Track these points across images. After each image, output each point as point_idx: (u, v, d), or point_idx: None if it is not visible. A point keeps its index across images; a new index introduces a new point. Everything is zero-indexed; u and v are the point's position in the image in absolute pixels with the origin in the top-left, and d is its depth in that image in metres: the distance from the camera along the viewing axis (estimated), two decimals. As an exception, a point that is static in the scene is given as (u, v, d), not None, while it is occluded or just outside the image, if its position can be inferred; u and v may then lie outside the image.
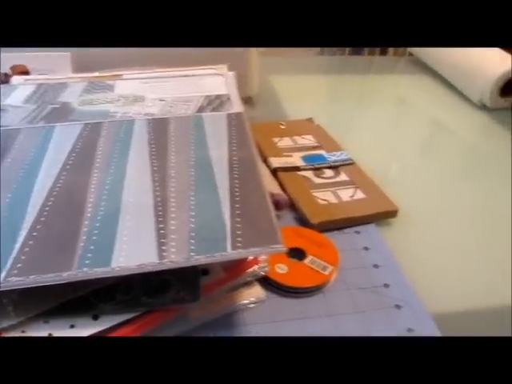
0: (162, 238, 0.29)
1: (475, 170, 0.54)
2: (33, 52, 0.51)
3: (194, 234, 0.30)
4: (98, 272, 0.27)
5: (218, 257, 0.28)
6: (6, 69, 0.50)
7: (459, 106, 0.68)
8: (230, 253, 0.28)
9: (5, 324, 0.28)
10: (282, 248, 0.29)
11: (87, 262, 0.28)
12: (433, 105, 0.69)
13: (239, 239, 0.29)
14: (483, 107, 0.67)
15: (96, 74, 0.50)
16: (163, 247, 0.29)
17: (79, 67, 0.52)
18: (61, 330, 0.28)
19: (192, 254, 0.28)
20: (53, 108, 0.44)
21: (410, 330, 0.34)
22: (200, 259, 0.28)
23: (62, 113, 0.43)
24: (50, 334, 0.28)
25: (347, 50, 0.92)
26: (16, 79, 0.49)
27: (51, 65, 0.51)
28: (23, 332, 0.28)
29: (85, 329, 0.29)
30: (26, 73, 0.51)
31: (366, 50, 0.93)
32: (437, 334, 0.33)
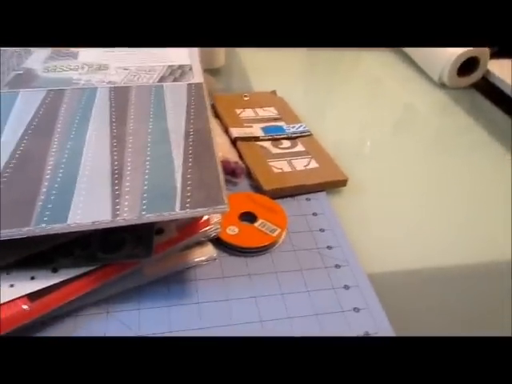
0: (116, 198, 0.32)
1: (430, 146, 0.58)
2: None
3: (146, 195, 0.32)
4: (56, 228, 0.30)
5: (166, 215, 0.31)
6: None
7: (421, 84, 0.71)
8: (178, 212, 0.31)
9: (-32, 275, 0.30)
10: (225, 208, 0.31)
11: (45, 218, 0.30)
12: (396, 82, 0.71)
13: (188, 200, 0.32)
14: (442, 86, 0.70)
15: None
16: (117, 206, 0.31)
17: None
18: (22, 281, 0.31)
19: (143, 212, 0.31)
20: (17, 74, 0.45)
21: (346, 286, 0.37)
22: (150, 217, 0.31)
23: (26, 79, 0.44)
24: (11, 285, 0.31)
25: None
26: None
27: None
28: (-15, 282, 0.30)
29: (44, 280, 0.31)
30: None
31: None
32: (370, 290, 0.37)
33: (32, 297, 0.30)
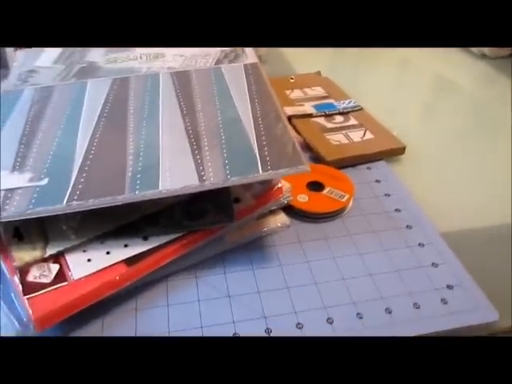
0: (199, 166, 0.33)
1: (476, 115, 0.58)
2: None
3: (227, 162, 0.33)
4: (148, 194, 0.31)
5: (251, 178, 0.32)
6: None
7: (460, 57, 0.71)
8: (261, 174, 0.32)
9: (68, 245, 0.32)
10: (306, 168, 0.32)
11: (137, 187, 0.32)
12: (434, 58, 0.71)
13: (268, 163, 0.33)
14: (483, 56, 0.70)
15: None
16: (202, 173, 0.33)
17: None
18: (116, 249, 0.32)
19: (228, 176, 0.32)
20: (81, 67, 0.47)
21: (420, 244, 0.38)
22: (236, 180, 0.32)
23: (91, 71, 0.46)
24: (107, 253, 0.32)
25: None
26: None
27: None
28: (84, 251, 0.32)
29: (137, 247, 0.33)
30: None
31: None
32: (445, 247, 0.37)
33: (128, 262, 0.32)
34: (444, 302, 0.33)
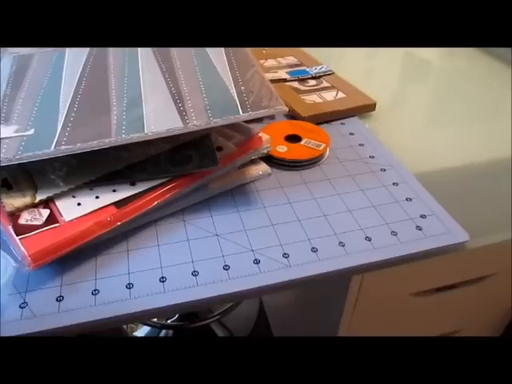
0: (182, 112, 0.35)
1: (441, 80, 0.61)
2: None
3: (208, 107, 0.35)
4: (135, 137, 0.32)
5: (232, 119, 0.34)
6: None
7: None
8: (242, 115, 0.34)
9: (57, 191, 0.33)
10: (284, 108, 0.34)
11: (123, 131, 0.33)
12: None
13: (248, 106, 0.35)
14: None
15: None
16: (185, 117, 0.34)
17: None
18: (105, 193, 0.33)
19: (211, 118, 0.34)
20: (58, 38, 0.48)
21: (395, 183, 0.40)
22: (218, 121, 0.33)
23: (68, 40, 0.47)
24: (97, 197, 0.33)
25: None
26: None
27: None
28: (74, 197, 0.33)
29: (125, 192, 0.34)
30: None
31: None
32: (418, 184, 0.40)
33: (118, 205, 0.33)
34: (419, 228, 0.35)
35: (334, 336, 0.42)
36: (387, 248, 0.34)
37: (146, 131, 0.33)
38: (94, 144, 0.32)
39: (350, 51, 0.67)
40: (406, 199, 0.38)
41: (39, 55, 0.44)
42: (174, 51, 0.44)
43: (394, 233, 0.35)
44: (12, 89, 0.38)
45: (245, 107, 0.34)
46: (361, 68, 0.63)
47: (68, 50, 0.45)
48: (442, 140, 0.47)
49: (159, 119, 0.34)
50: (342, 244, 0.34)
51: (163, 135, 0.33)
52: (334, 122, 0.48)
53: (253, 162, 0.41)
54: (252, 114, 0.34)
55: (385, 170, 0.42)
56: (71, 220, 0.31)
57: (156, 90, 0.38)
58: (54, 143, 0.32)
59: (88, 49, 0.45)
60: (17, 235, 0.30)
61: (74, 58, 0.43)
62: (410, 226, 0.36)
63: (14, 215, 0.31)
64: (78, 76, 0.40)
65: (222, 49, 0.44)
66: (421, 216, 0.36)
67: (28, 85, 0.39)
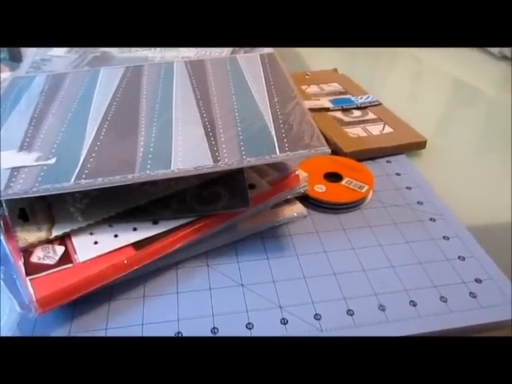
0: (213, 147, 0.32)
1: (495, 115, 0.56)
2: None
3: (242, 143, 0.32)
4: (160, 174, 0.30)
5: (268, 158, 0.30)
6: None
7: (480, 58, 0.69)
8: (278, 155, 0.31)
9: (74, 227, 0.31)
10: (326, 149, 0.31)
11: (148, 166, 0.30)
12: (453, 59, 0.70)
13: (286, 144, 0.31)
14: (503, 58, 0.68)
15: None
16: (216, 153, 0.31)
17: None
18: (125, 232, 0.31)
19: (244, 157, 0.30)
20: (94, 56, 0.46)
21: (445, 237, 0.35)
22: (252, 161, 0.30)
23: (104, 59, 0.45)
24: (115, 236, 0.31)
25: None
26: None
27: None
28: (91, 234, 0.31)
29: (146, 231, 0.31)
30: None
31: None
32: (472, 239, 0.35)
33: (137, 246, 0.30)
34: (473, 295, 0.31)
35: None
36: (434, 317, 0.29)
37: (172, 167, 0.30)
38: (116, 180, 0.29)
39: (393, 74, 0.63)
40: (459, 257, 0.34)
41: (73, 75, 0.43)
42: (211, 75, 0.41)
43: (443, 299, 0.31)
44: (40, 112, 0.37)
45: (282, 146, 0.31)
46: (407, 95, 0.58)
47: (102, 69, 0.43)
48: (501, 186, 0.42)
49: (188, 154, 0.31)
50: (382, 308, 0.30)
51: (191, 173, 0.30)
52: (378, 159, 0.44)
53: (287, 201, 0.37)
54: (290, 155, 0.31)
55: (434, 219, 0.37)
56: (85, 261, 0.29)
57: (188, 119, 0.35)
58: (74, 175, 0.30)
59: (123, 70, 0.43)
60: (27, 275, 0.28)
61: (108, 80, 0.41)
62: (463, 291, 0.31)
63: (26, 251, 0.29)
64: (108, 100, 0.38)
65: (262, 74, 0.41)
66: (475, 280, 0.32)
67: (57, 107, 0.37)
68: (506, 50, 0.67)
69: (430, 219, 0.37)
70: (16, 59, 0.56)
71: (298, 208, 0.37)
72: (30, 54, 0.48)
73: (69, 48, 0.48)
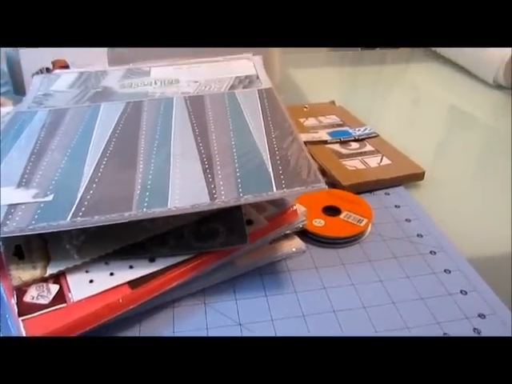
0: (211, 184, 0.32)
1: (493, 144, 0.56)
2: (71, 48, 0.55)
3: (239, 180, 0.32)
4: (157, 212, 0.30)
5: (265, 196, 0.30)
6: (47, 64, 0.54)
7: (474, 87, 0.70)
8: (275, 192, 0.30)
9: (70, 264, 0.30)
10: (323, 185, 0.31)
11: (145, 204, 0.30)
12: (449, 89, 0.71)
13: (283, 181, 0.31)
14: (499, 87, 0.69)
15: (131, 65, 0.54)
16: (213, 191, 0.31)
17: (115, 61, 0.55)
18: (121, 270, 0.30)
19: (241, 194, 0.30)
20: (96, 91, 0.47)
21: (446, 270, 0.35)
22: (249, 198, 0.30)
23: (105, 95, 0.46)
24: (111, 274, 0.30)
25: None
26: (58, 72, 0.53)
27: (89, 59, 0.55)
28: (87, 272, 0.30)
29: (143, 269, 0.31)
30: (67, 67, 0.54)
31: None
32: (474, 273, 0.35)
33: (132, 284, 0.30)
34: (477, 331, 0.30)
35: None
36: (438, 356, 0.29)
37: (169, 205, 0.30)
38: (113, 218, 0.29)
39: (390, 104, 0.64)
40: (461, 292, 0.33)
41: (74, 110, 0.43)
42: (210, 110, 0.42)
43: (446, 335, 0.30)
44: (40, 147, 0.37)
45: (279, 183, 0.31)
46: (404, 125, 0.59)
47: (103, 105, 0.44)
48: (501, 216, 0.42)
49: (185, 191, 0.31)
50: (383, 347, 0.29)
51: (188, 211, 0.30)
52: (377, 192, 0.44)
53: (286, 236, 0.37)
54: (286, 192, 0.31)
55: (435, 252, 0.37)
56: (80, 300, 0.28)
57: (185, 155, 0.35)
58: (71, 213, 0.30)
59: (123, 105, 0.43)
60: (19, 315, 0.27)
61: (108, 115, 0.42)
62: (466, 327, 0.30)
63: (20, 289, 0.29)
64: (108, 135, 0.38)
65: (260, 109, 0.41)
66: (479, 315, 0.31)
67: (57, 143, 0.38)
68: (500, 79, 0.68)
69: (431, 252, 0.37)
70: (20, 92, 0.57)
71: (296, 243, 0.37)
72: (34, 88, 0.48)
73: (71, 83, 0.49)
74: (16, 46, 0.53)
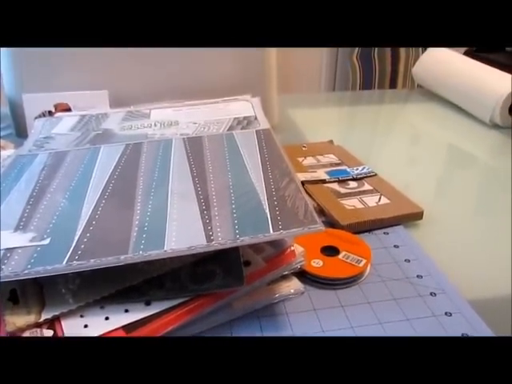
0: (208, 225, 0.32)
1: (491, 184, 0.56)
2: (73, 92, 0.57)
3: (236, 221, 0.32)
4: (153, 254, 0.30)
5: (261, 237, 0.30)
6: (49, 107, 0.55)
7: (471, 127, 0.71)
8: (272, 234, 0.30)
9: (65, 309, 0.30)
10: (320, 227, 0.31)
11: (142, 246, 0.30)
12: (447, 128, 0.72)
13: (280, 222, 0.31)
14: (495, 126, 0.70)
15: (131, 107, 0.55)
16: (210, 232, 0.31)
17: (116, 103, 0.57)
18: (116, 314, 0.30)
19: (237, 236, 0.30)
20: (96, 134, 0.48)
21: (447, 313, 0.34)
22: (245, 240, 0.30)
23: (105, 137, 0.47)
24: (106, 318, 0.30)
25: (358, 85, 0.98)
26: (60, 115, 0.54)
27: (90, 102, 0.56)
28: (82, 316, 0.30)
29: (138, 313, 0.30)
30: (68, 110, 0.56)
31: (376, 84, 0.98)
32: (476, 316, 0.34)
33: (127, 329, 0.29)
34: (480, 379, 0.29)
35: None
36: (441, 404, 0.28)
37: (165, 247, 0.30)
38: (109, 261, 0.29)
39: (388, 143, 0.65)
40: (462, 335, 0.32)
41: (74, 152, 0.44)
42: (208, 151, 0.42)
43: (448, 382, 0.29)
44: (39, 190, 0.37)
45: (276, 225, 0.31)
46: (402, 164, 0.59)
47: (103, 147, 0.45)
48: (503, 257, 0.42)
49: (182, 232, 0.31)
50: (384, 394, 0.28)
51: (184, 253, 0.30)
52: (376, 231, 0.44)
53: (284, 277, 0.37)
54: (283, 233, 0.31)
55: (435, 294, 0.36)
56: (74, 346, 0.28)
57: (183, 196, 0.35)
58: (67, 256, 0.30)
59: (122, 147, 0.44)
60: (12, 362, 0.27)
61: (107, 157, 0.42)
62: (469, 373, 0.30)
63: (14, 335, 0.28)
64: (107, 177, 0.39)
65: (257, 150, 0.42)
66: (481, 361, 0.30)
67: (56, 186, 0.38)
68: (497, 119, 0.69)
69: (431, 294, 0.36)
70: (22, 135, 0.58)
71: (294, 284, 0.36)
72: (35, 131, 0.49)
73: (73, 126, 0.50)
74: (16, 46, 0.53)
